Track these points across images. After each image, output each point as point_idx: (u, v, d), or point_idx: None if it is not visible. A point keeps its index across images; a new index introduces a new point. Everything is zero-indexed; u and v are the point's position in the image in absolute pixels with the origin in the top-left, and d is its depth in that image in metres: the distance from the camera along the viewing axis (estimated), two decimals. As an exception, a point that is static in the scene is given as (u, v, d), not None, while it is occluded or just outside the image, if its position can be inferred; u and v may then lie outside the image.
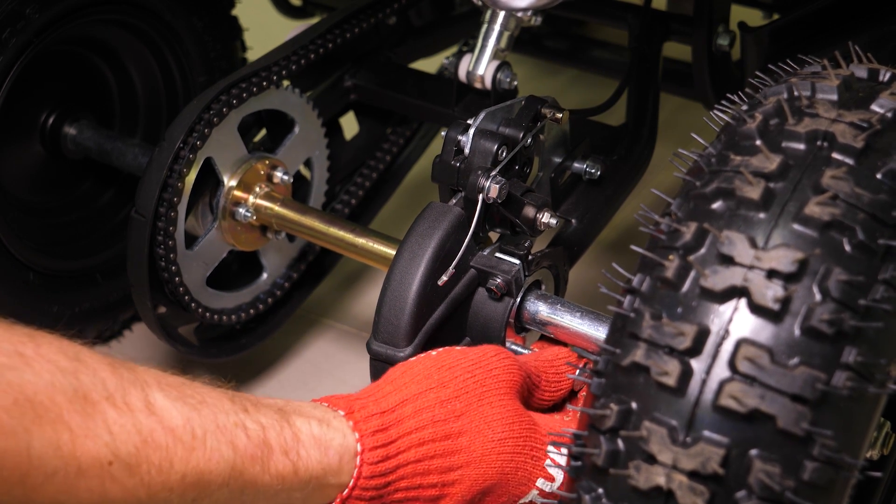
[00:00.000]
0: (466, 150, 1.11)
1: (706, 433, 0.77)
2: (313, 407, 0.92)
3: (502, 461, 0.95)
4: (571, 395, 1.08)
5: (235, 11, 1.55)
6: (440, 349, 1.00)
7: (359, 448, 0.90)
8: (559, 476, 0.97)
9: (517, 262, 1.10)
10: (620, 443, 0.80)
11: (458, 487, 0.93)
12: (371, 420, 0.91)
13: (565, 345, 1.10)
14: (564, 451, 0.89)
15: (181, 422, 0.79)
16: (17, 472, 0.71)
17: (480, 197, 1.08)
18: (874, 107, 0.86)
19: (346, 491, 0.89)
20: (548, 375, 1.04)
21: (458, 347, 1.00)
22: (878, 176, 0.82)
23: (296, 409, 0.90)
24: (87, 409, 0.74)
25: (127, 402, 0.77)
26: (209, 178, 1.28)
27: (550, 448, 0.97)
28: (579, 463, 0.83)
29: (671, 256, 0.82)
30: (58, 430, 0.72)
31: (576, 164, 1.26)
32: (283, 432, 0.86)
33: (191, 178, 1.24)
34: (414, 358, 0.99)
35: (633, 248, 0.86)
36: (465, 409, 0.94)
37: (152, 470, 0.77)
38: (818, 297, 0.77)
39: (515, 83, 1.29)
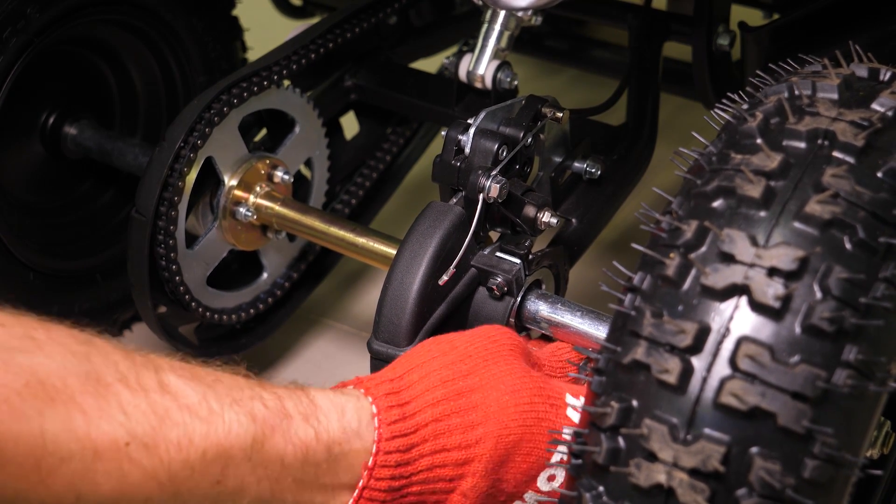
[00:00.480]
0: (467, 150, 1.12)
1: (707, 431, 0.77)
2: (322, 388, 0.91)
3: (521, 411, 0.93)
4: None
5: (235, 11, 1.55)
6: (436, 336, 1.00)
7: (374, 409, 0.88)
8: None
9: (518, 261, 1.10)
10: (621, 440, 0.80)
11: (484, 447, 0.91)
12: (381, 386, 0.90)
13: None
14: (581, 400, 0.87)
15: (197, 399, 0.78)
16: (32, 458, 0.70)
17: (481, 196, 1.09)
18: (875, 105, 0.86)
19: (372, 459, 0.87)
20: (551, 363, 1.04)
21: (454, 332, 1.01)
22: (879, 174, 0.82)
23: (308, 386, 0.89)
24: (101, 390, 0.73)
25: (141, 383, 0.76)
26: (210, 178, 1.28)
27: (569, 399, 0.95)
28: (580, 461, 0.83)
29: (672, 254, 0.82)
30: (71, 412, 0.71)
31: (576, 164, 1.26)
32: (301, 400, 0.85)
33: (191, 177, 1.24)
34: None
35: (634, 246, 0.86)
36: (471, 369, 0.93)
37: (171, 448, 0.76)
38: (819, 295, 0.77)
39: (516, 83, 1.29)
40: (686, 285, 0.80)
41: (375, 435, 0.88)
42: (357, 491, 0.88)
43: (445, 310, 1.07)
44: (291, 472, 0.84)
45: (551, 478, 0.95)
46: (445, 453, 0.90)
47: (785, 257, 0.78)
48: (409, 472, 0.89)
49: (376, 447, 0.88)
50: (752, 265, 0.79)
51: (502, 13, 1.26)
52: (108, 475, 0.73)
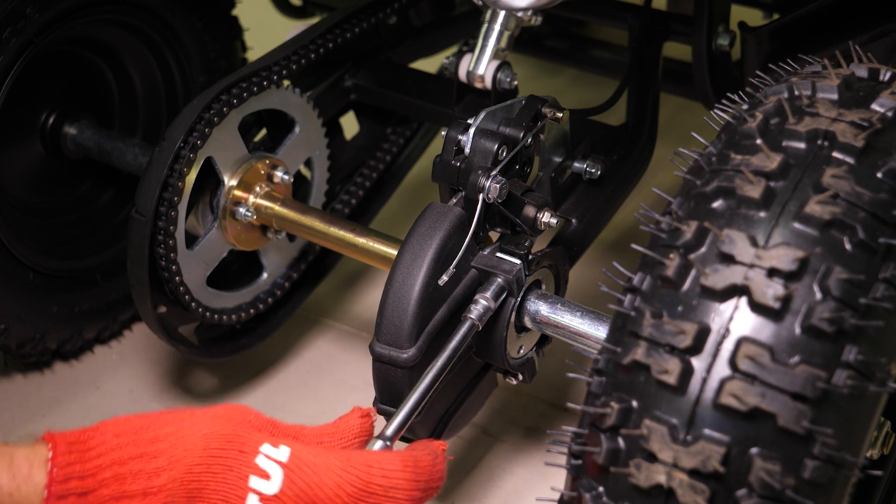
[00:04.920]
0: (467, 150, 1.11)
1: (707, 431, 0.77)
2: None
3: (210, 457, 0.91)
4: None
5: (235, 11, 1.55)
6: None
7: (49, 454, 0.88)
8: (276, 474, 0.90)
9: (518, 261, 1.10)
10: (621, 441, 0.80)
11: (168, 493, 0.90)
12: (67, 435, 0.90)
13: None
14: (281, 448, 0.88)
15: None
16: None
17: (481, 196, 1.09)
18: (874, 106, 0.86)
19: (42, 502, 0.87)
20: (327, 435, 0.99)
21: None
22: (879, 175, 0.82)
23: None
24: None
25: None
26: (209, 178, 1.28)
27: (265, 448, 0.92)
28: (580, 461, 0.83)
29: (672, 255, 0.82)
30: None
31: (576, 164, 1.26)
32: None
33: (191, 177, 1.24)
34: None
35: (634, 246, 0.86)
36: (165, 422, 0.93)
37: None
38: (819, 295, 0.77)
39: (516, 83, 1.29)
40: (686, 286, 0.80)
41: (46, 478, 0.87)
42: None
43: (447, 311, 1.07)
44: None
45: None
46: (127, 500, 0.89)
47: (785, 258, 0.78)
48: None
49: (47, 490, 0.87)
50: (751, 266, 0.79)
51: (502, 13, 1.26)
52: None
